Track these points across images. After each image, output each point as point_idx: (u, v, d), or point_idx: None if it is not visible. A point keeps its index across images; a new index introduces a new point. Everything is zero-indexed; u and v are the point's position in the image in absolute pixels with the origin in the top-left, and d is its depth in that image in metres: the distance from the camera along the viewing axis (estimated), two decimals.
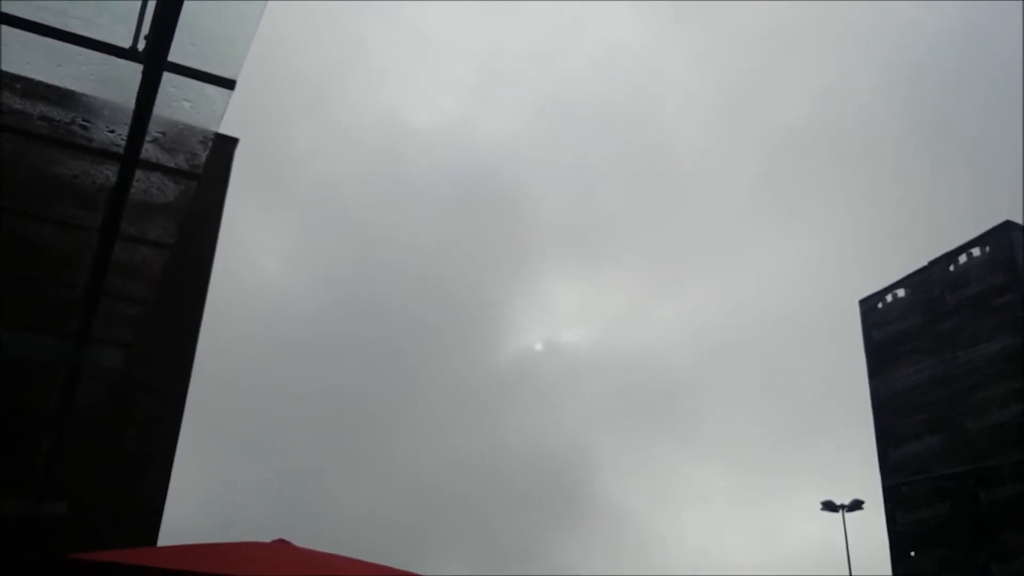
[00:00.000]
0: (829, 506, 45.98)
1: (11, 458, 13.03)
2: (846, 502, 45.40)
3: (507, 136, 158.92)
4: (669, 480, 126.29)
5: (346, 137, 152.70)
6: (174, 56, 5.77)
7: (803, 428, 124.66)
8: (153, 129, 6.53)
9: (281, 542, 7.78)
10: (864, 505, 45.78)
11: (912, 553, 53.37)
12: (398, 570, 7.72)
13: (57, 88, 6.56)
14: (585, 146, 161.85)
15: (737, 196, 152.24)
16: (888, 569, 53.80)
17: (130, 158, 6.65)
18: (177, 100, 6.32)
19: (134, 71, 5.89)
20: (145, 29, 5.62)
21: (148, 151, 6.84)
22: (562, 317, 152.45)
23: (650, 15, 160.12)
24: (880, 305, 60.62)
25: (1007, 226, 53.06)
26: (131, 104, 6.17)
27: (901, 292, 59.76)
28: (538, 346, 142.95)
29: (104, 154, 7.03)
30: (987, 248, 53.70)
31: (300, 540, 7.86)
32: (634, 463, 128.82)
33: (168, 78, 5.99)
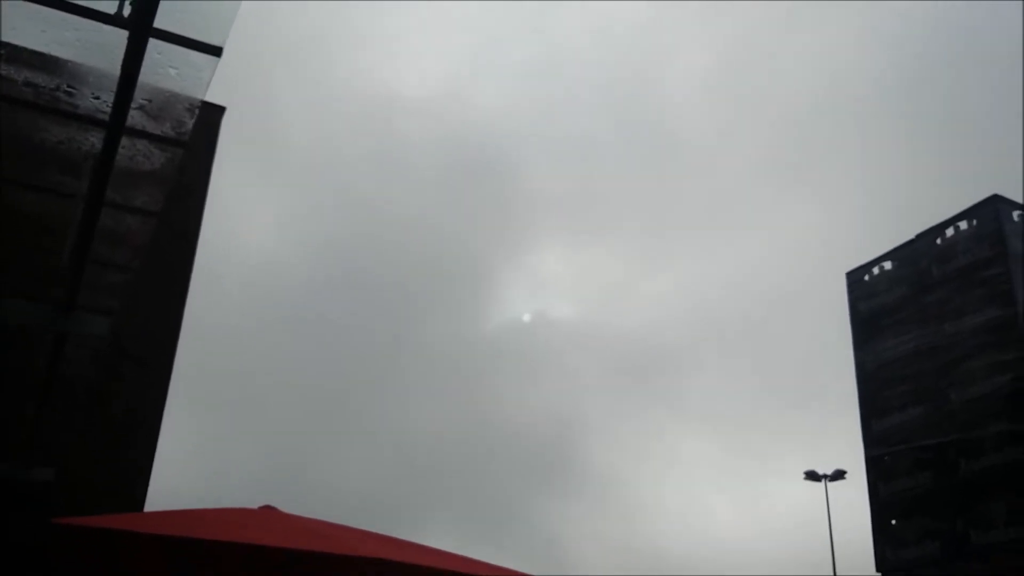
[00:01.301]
0: (812, 476, 46.48)
1: None
2: (829, 472, 45.87)
3: (499, 106, 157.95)
4: (656, 450, 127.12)
5: (335, 106, 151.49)
6: (160, 22, 5.72)
7: (792, 399, 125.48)
8: (139, 96, 6.48)
9: (268, 508, 7.82)
10: (847, 475, 46.29)
11: (893, 522, 53.99)
12: (384, 536, 7.78)
13: (42, 54, 6.50)
14: (579, 115, 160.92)
15: (734, 170, 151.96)
16: (870, 538, 54.46)
17: (116, 125, 6.61)
18: (163, 67, 6.27)
19: (120, 37, 5.83)
20: None
21: (134, 118, 6.79)
22: (553, 289, 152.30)
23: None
24: (867, 277, 60.81)
25: (994, 199, 53.27)
26: (117, 71, 6.12)
27: (888, 265, 59.95)
28: (526, 317, 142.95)
29: (89, 121, 6.99)
30: (974, 221, 53.92)
31: (287, 507, 7.89)
32: (622, 434, 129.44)
33: (154, 44, 5.94)
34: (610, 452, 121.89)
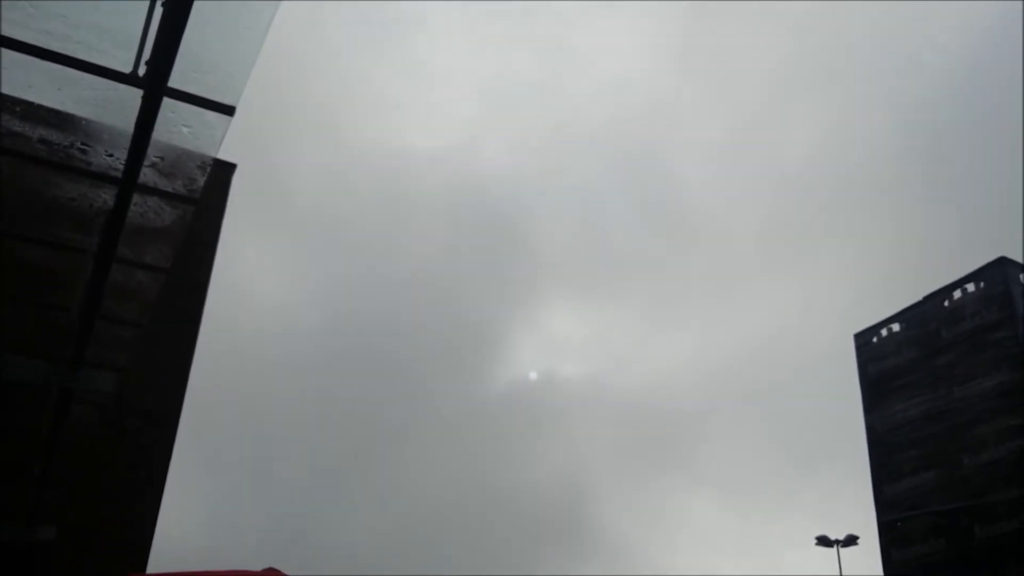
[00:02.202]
0: (824, 541, 45.69)
1: (2, 482, 12.93)
2: (841, 537, 45.13)
3: (512, 167, 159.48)
4: (667, 513, 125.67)
5: (347, 166, 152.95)
6: (175, 82, 5.79)
7: (803, 462, 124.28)
8: (152, 154, 6.54)
9: (272, 571, 7.73)
10: (859, 540, 45.50)
11: None
12: None
13: (57, 112, 6.58)
14: (591, 179, 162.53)
15: (743, 233, 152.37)
16: None
17: (128, 182, 6.65)
18: (176, 125, 6.34)
19: (134, 96, 5.91)
20: (146, 55, 5.64)
21: (146, 175, 6.85)
22: (564, 350, 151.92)
23: (657, 51, 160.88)
24: (875, 339, 60.47)
25: (1001, 262, 53.18)
26: (131, 128, 6.18)
27: (896, 327, 59.65)
28: (534, 376, 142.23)
29: (102, 178, 7.04)
30: (982, 284, 53.76)
31: (291, 570, 7.80)
32: (632, 496, 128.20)
33: (168, 103, 6.01)
34: (620, 515, 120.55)
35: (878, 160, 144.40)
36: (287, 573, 7.87)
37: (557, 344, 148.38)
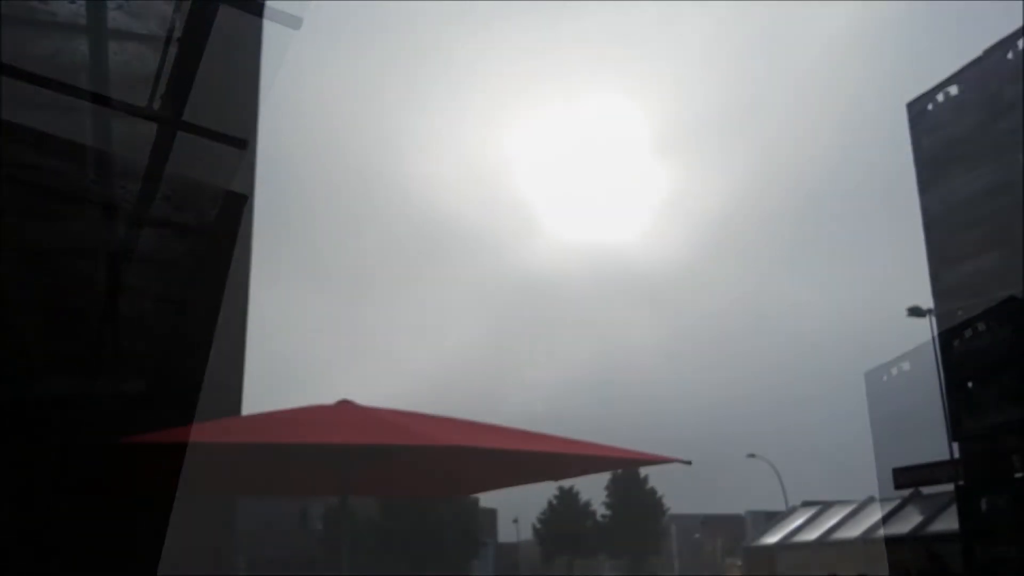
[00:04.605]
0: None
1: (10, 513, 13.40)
2: None
3: (527, 196, 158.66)
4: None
5: (356, 197, 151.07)
6: (188, 115, 5.79)
7: (821, 492, 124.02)
8: (163, 187, 6.55)
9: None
10: None
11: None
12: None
13: (70, 143, 6.55)
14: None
15: (764, 250, 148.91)
16: None
17: (139, 215, 6.71)
18: (189, 158, 6.33)
19: (148, 129, 5.94)
20: (161, 88, 5.66)
21: (158, 208, 6.89)
22: (576, 375, 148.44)
23: (679, 55, 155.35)
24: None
25: None
26: (143, 161, 6.18)
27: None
28: (540, 407, 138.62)
29: (114, 210, 7.07)
30: None
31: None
32: None
33: (181, 136, 6.01)
34: None
35: (904, 171, 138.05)
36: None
37: (571, 372, 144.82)
